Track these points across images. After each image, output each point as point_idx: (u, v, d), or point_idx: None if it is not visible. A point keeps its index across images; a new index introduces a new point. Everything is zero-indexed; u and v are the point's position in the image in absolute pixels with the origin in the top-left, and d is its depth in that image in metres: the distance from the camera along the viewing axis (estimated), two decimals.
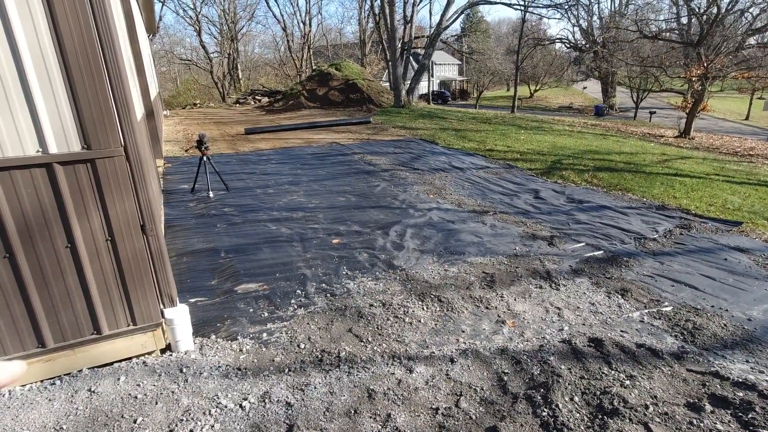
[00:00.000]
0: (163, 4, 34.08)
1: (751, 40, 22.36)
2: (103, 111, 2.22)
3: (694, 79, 18.55)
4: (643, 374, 2.58)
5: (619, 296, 3.55)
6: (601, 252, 4.42)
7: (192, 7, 38.91)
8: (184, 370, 2.65)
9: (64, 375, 2.57)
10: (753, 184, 7.76)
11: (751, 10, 21.50)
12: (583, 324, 3.15)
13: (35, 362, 2.47)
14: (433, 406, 2.35)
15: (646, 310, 3.34)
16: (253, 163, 8.72)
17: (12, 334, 2.35)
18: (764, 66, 20.09)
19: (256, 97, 25.92)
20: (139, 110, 4.68)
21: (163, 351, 2.82)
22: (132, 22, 6.17)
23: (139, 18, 8.21)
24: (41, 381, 2.53)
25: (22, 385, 2.50)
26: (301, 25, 45.11)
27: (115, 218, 2.40)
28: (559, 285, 3.74)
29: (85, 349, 2.57)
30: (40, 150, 2.18)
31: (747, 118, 33.51)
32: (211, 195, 6.34)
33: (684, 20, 26.68)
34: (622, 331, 3.06)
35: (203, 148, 6.32)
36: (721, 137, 21.23)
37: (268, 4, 68.38)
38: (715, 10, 19.88)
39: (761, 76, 20.64)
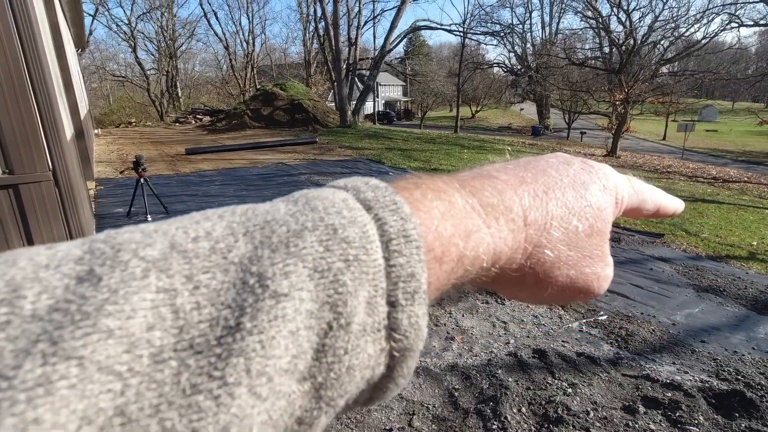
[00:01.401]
0: (93, 18, 32.59)
1: (664, 69, 24.80)
2: (28, 134, 2.08)
3: (617, 102, 20.21)
4: (584, 381, 2.71)
5: (560, 308, 3.73)
6: None
7: (126, 22, 37.31)
8: None
9: None
10: None
11: (662, 43, 23.91)
12: (528, 336, 3.28)
13: None
14: (387, 427, 2.34)
15: (584, 320, 3.53)
16: (195, 185, 8.42)
17: None
18: (676, 92, 22.31)
19: (198, 116, 25.15)
20: (68, 131, 4.40)
21: None
22: (59, 36, 5.84)
23: (67, 32, 7.79)
24: None
25: None
26: (244, 44, 44.66)
27: None
28: (504, 300, 3.88)
29: None
30: None
31: (664, 139, 36.86)
32: (150, 219, 6.03)
33: (607, 49, 29.15)
34: (563, 341, 3.22)
35: (140, 170, 6.01)
36: (643, 156, 23.13)
37: (209, 22, 67.09)
38: (632, 42, 21.91)
39: (673, 101, 22.89)
